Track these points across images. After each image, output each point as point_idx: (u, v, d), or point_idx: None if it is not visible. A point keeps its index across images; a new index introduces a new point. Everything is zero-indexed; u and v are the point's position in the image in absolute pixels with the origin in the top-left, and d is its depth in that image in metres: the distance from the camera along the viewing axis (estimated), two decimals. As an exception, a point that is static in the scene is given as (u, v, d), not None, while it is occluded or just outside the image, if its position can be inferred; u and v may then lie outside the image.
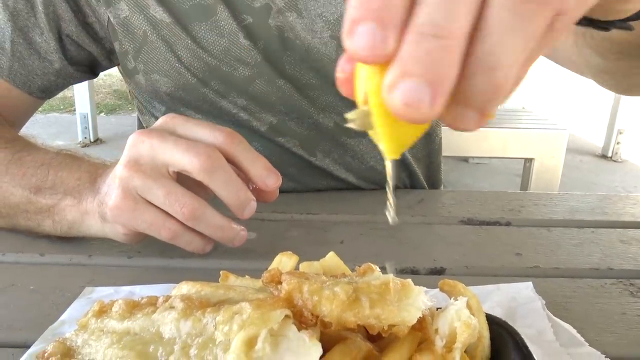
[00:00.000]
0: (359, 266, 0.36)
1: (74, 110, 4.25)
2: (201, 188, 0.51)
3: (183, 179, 0.51)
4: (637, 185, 3.56)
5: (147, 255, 0.57)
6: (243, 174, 0.53)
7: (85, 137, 4.08)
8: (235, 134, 0.53)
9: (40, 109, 0.85)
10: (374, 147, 0.82)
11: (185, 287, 0.37)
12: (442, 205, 0.74)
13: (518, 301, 0.47)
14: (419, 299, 0.31)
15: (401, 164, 0.84)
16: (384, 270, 0.36)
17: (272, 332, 0.29)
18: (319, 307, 0.30)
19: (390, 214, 0.31)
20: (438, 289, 0.38)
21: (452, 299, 0.36)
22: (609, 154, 4.01)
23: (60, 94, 0.90)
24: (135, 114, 0.94)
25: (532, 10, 0.23)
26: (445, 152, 0.94)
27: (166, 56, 0.72)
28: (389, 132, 0.26)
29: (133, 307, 0.35)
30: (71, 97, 4.41)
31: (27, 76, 0.74)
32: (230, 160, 0.52)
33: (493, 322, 0.37)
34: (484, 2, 0.24)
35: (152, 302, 0.35)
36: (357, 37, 0.23)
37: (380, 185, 0.83)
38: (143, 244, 0.57)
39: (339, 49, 0.72)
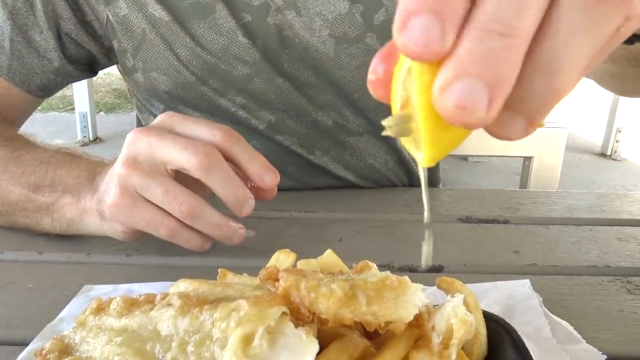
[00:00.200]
0: (357, 264, 0.37)
1: (73, 109, 4.24)
2: (199, 186, 0.51)
3: (181, 177, 0.51)
4: (636, 184, 3.57)
5: (145, 253, 0.58)
6: (241, 172, 0.53)
7: (85, 136, 4.07)
8: (234, 132, 0.53)
9: (39, 107, 0.85)
10: (373, 145, 0.83)
11: (183, 285, 0.37)
12: (440, 204, 0.74)
13: (515, 298, 0.47)
14: (416, 296, 0.31)
15: (399, 162, 0.84)
16: (381, 268, 0.36)
17: (269, 329, 0.29)
18: (316, 304, 0.30)
19: (425, 216, 0.30)
20: (436, 287, 0.39)
21: (449, 296, 0.36)
22: (608, 152, 4.01)
23: (59, 93, 0.90)
24: (134, 113, 0.94)
25: (606, 12, 0.22)
26: (444, 150, 0.94)
27: (165, 54, 0.72)
28: (432, 138, 0.24)
29: (131, 305, 0.35)
30: (70, 95, 4.40)
31: (26, 74, 0.74)
32: (229, 158, 0.52)
33: (490, 319, 0.37)
34: (554, 0, 0.22)
35: (150, 300, 0.35)
36: (410, 31, 0.21)
37: (379, 184, 0.84)
38: (141, 242, 0.57)
39: (337, 47, 0.72)
